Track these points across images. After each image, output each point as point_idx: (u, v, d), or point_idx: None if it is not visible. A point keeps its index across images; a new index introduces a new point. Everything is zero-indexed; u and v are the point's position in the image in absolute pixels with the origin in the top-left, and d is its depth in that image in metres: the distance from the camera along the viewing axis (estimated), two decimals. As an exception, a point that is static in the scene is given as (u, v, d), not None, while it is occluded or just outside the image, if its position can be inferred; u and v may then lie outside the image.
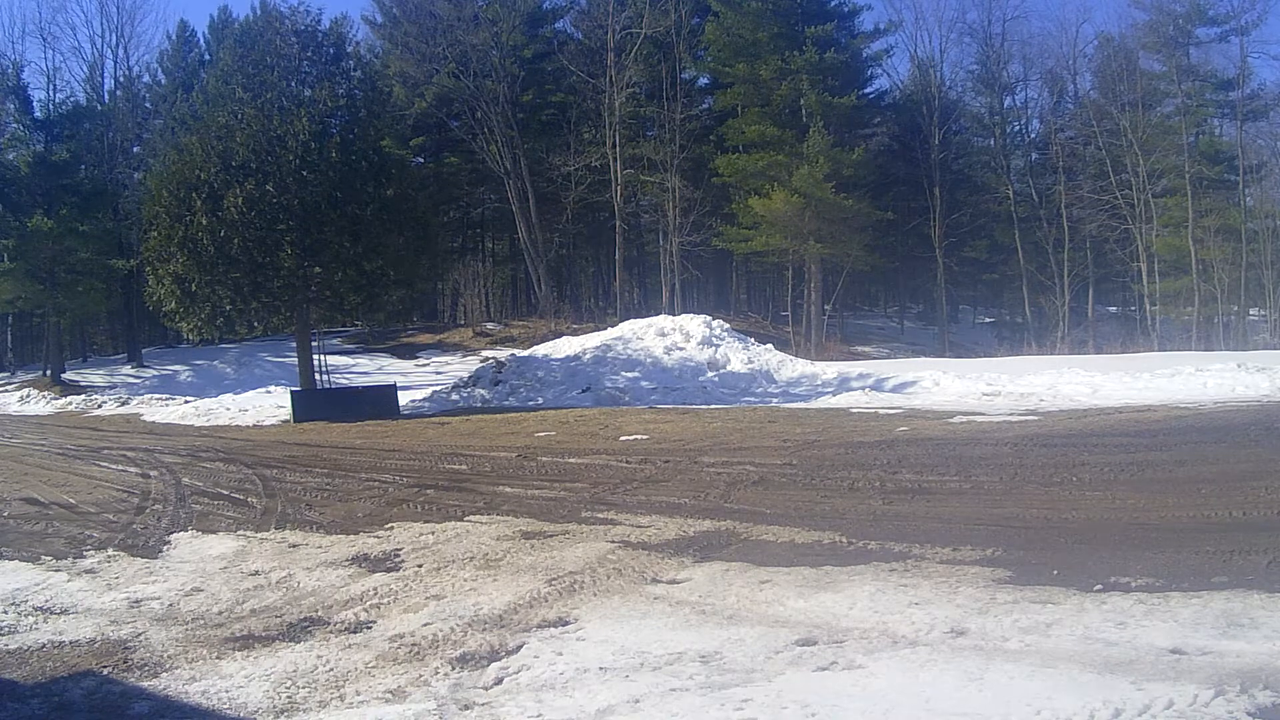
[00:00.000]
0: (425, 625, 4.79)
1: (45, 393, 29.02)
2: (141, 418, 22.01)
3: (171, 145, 25.20)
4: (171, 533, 7.70)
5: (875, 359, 29.18)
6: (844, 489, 7.82)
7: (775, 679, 3.74)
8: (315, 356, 23.98)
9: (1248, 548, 5.11)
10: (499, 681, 3.97)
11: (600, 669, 4.00)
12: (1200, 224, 33.17)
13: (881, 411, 14.11)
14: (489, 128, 37.09)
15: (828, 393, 17.83)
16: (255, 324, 21.39)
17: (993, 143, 41.87)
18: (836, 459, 9.54)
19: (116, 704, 4.04)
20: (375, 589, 5.58)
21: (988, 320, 46.43)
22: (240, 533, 7.58)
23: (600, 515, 7.32)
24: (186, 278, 19.38)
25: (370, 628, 4.86)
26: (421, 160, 42.27)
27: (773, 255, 36.13)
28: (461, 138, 39.38)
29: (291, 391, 21.11)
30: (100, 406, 25.63)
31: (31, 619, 5.41)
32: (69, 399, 27.54)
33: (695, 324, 22.71)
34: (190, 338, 32.93)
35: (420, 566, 6.06)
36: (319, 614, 5.17)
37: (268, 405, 21.58)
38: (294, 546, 6.98)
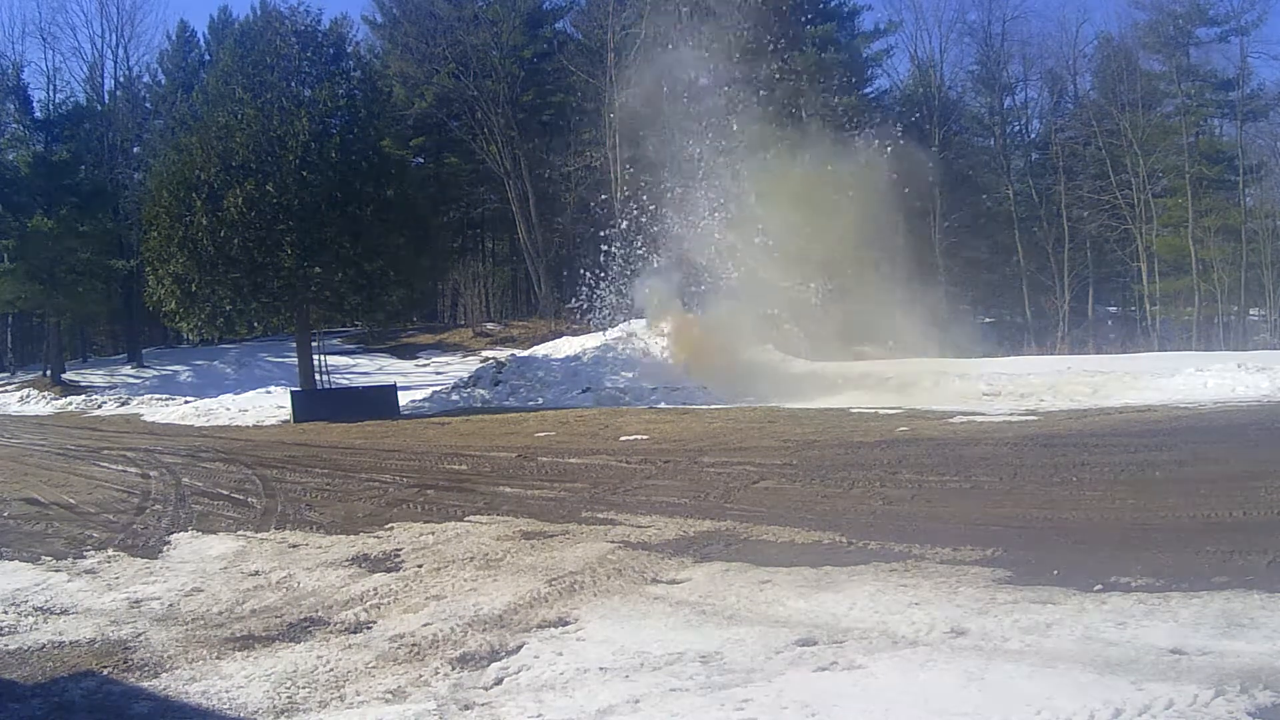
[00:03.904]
0: (425, 625, 4.79)
1: (45, 393, 29.00)
2: (141, 418, 22.00)
3: (171, 145, 25.21)
4: (171, 533, 7.70)
5: (875, 359, 29.14)
6: (844, 489, 7.82)
7: (775, 679, 3.75)
8: (315, 356, 24.00)
9: (1248, 548, 5.11)
10: (499, 681, 3.98)
11: (600, 669, 4.00)
12: (1200, 224, 33.16)
13: (881, 411, 14.10)
14: (489, 128, 37.07)
15: (828, 393, 17.82)
16: (255, 324, 21.41)
17: (993, 143, 41.83)
18: (836, 459, 9.54)
19: (117, 704, 4.04)
20: (375, 589, 5.58)
21: (988, 320, 46.39)
22: (240, 533, 7.58)
23: (600, 515, 7.32)
24: (186, 278, 19.39)
25: (370, 628, 4.86)
26: (421, 160, 42.25)
27: (772, 255, 36.07)
28: (461, 138, 39.33)
29: (291, 392, 21.11)
30: (100, 407, 25.62)
31: (31, 619, 5.41)
32: (69, 399, 27.52)
33: (697, 324, 22.70)
34: (190, 338, 32.99)
35: (420, 567, 6.07)
36: (319, 614, 5.17)
37: (268, 405, 21.58)
38: (294, 547, 6.98)
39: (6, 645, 4.93)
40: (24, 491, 10.32)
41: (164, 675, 4.33)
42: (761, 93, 34.39)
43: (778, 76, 33.99)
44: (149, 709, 3.97)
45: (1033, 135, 43.04)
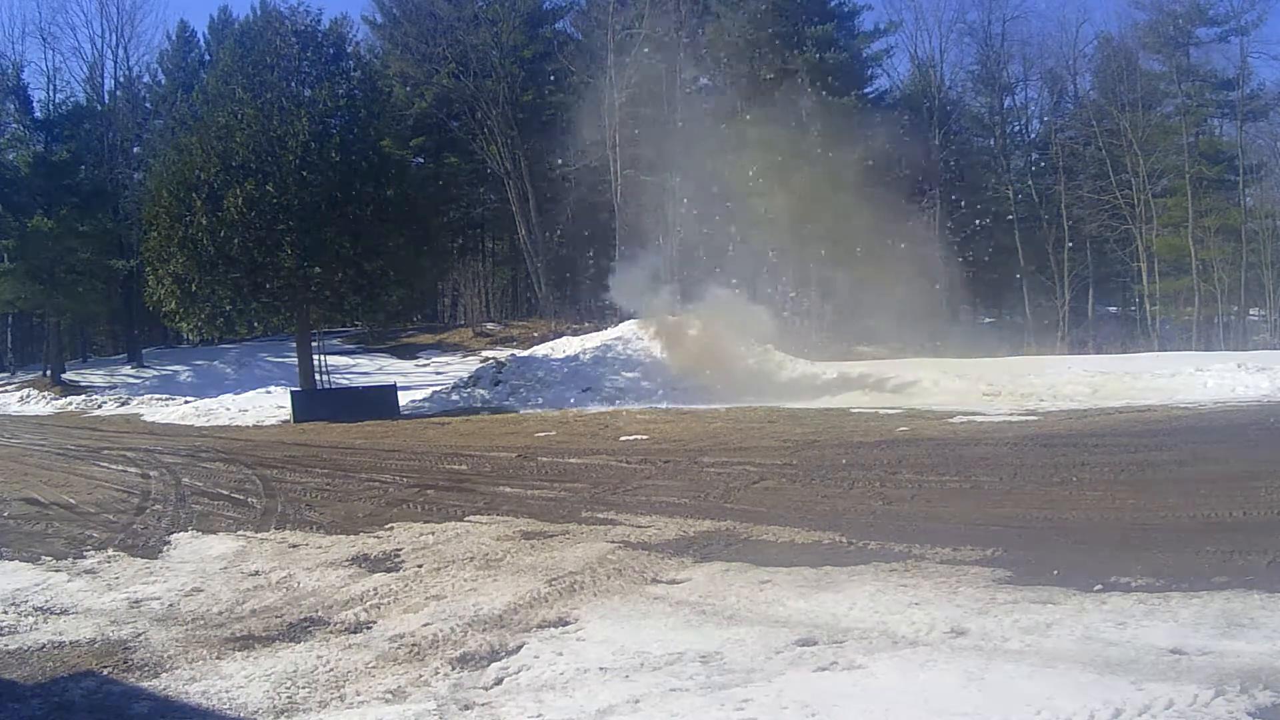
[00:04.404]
0: (425, 625, 4.79)
1: (45, 393, 28.99)
2: (141, 418, 22.00)
3: (171, 145, 25.23)
4: (171, 533, 7.70)
5: (875, 359, 29.14)
6: (844, 489, 7.82)
7: (775, 679, 3.75)
8: (315, 356, 24.00)
9: (1248, 548, 5.11)
10: (499, 681, 3.98)
11: (600, 669, 4.00)
12: (1200, 224, 33.16)
13: (881, 411, 14.10)
14: (489, 128, 37.06)
15: (828, 393, 17.84)
16: (255, 324, 21.42)
17: (993, 143, 41.83)
18: (836, 459, 9.54)
19: (117, 704, 4.04)
20: (375, 589, 5.58)
21: (988, 320, 46.38)
22: (240, 533, 7.58)
23: (600, 515, 7.32)
24: (186, 278, 19.40)
25: (370, 628, 4.87)
26: (421, 160, 42.22)
27: (773, 255, 36.08)
28: (461, 138, 39.30)
29: (291, 392, 21.10)
30: (100, 407, 25.61)
31: (31, 619, 5.41)
32: (69, 399, 27.51)
33: (695, 324, 22.71)
34: (190, 338, 32.99)
35: (420, 567, 6.07)
36: (319, 614, 5.17)
37: (268, 405, 21.57)
38: (294, 547, 6.98)
39: (6, 645, 4.93)
40: (24, 491, 10.31)
41: (164, 675, 4.33)
42: (761, 93, 34.46)
43: (776, 77, 34.01)
44: (149, 709, 3.97)
45: (1033, 135, 43.03)
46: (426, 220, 23.22)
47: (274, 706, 3.87)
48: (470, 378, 22.88)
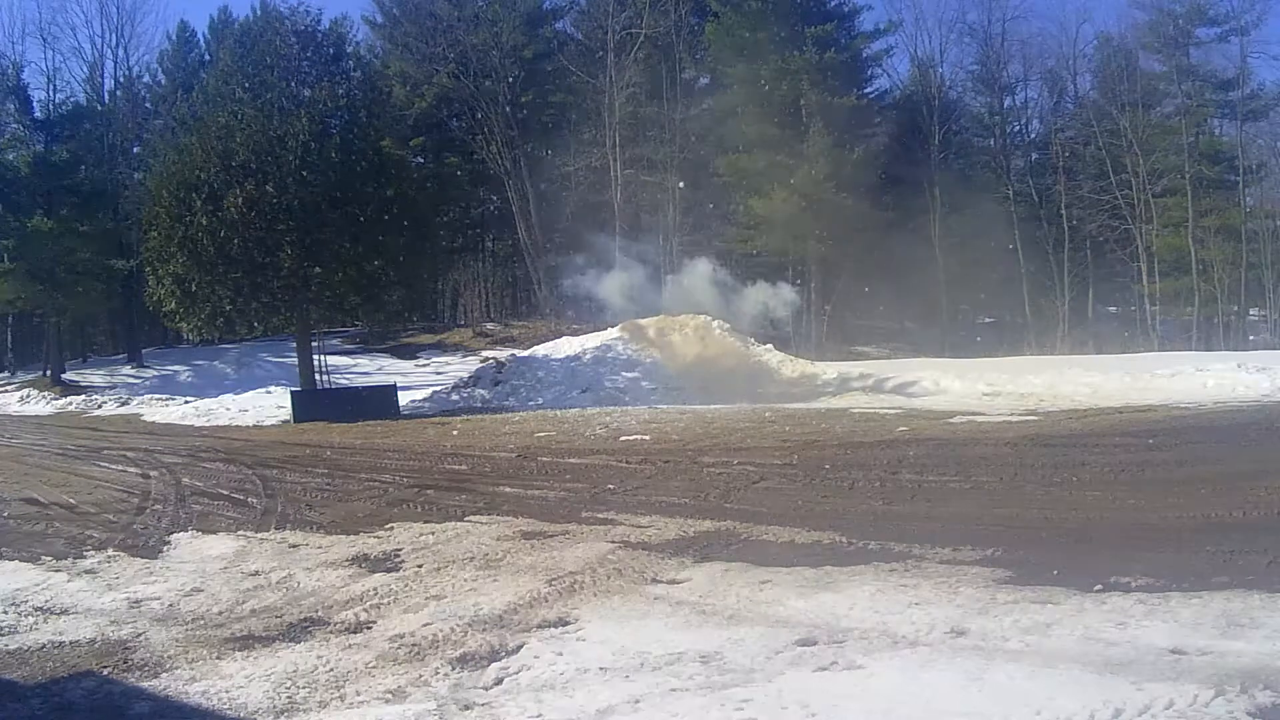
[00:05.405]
0: (425, 625, 4.79)
1: (45, 393, 28.97)
2: (141, 418, 21.99)
3: (171, 145, 25.22)
4: (172, 533, 7.70)
5: (875, 359, 29.15)
6: (844, 489, 7.82)
7: (775, 679, 3.75)
8: (315, 357, 23.98)
9: (1248, 548, 5.11)
10: (499, 681, 3.98)
11: (600, 669, 4.00)
12: (1200, 224, 33.16)
13: (881, 411, 14.11)
14: (489, 128, 37.08)
15: (828, 393, 17.83)
16: (255, 324, 21.39)
17: (993, 143, 41.82)
18: (836, 459, 9.54)
19: (117, 704, 4.04)
20: (375, 589, 5.58)
21: (988, 320, 46.37)
22: (240, 533, 7.58)
23: (600, 515, 7.33)
24: (186, 278, 19.38)
25: (370, 628, 4.87)
26: (421, 160, 42.21)
27: (773, 255, 36.12)
28: (461, 138, 39.32)
29: (291, 392, 21.09)
30: (100, 407, 25.60)
31: (32, 619, 5.41)
32: (69, 399, 27.50)
33: (695, 324, 22.70)
34: (190, 338, 32.95)
35: (420, 567, 6.07)
36: (319, 614, 5.17)
37: (268, 405, 21.56)
38: (294, 547, 6.98)
39: (6, 645, 4.93)
40: (24, 491, 10.31)
41: (164, 675, 4.33)
42: (761, 93, 34.46)
43: (776, 77, 34.01)
44: (149, 709, 3.97)
45: (1033, 135, 42.98)
46: (426, 220, 23.23)
47: (274, 706, 3.87)
48: (470, 378, 22.86)
